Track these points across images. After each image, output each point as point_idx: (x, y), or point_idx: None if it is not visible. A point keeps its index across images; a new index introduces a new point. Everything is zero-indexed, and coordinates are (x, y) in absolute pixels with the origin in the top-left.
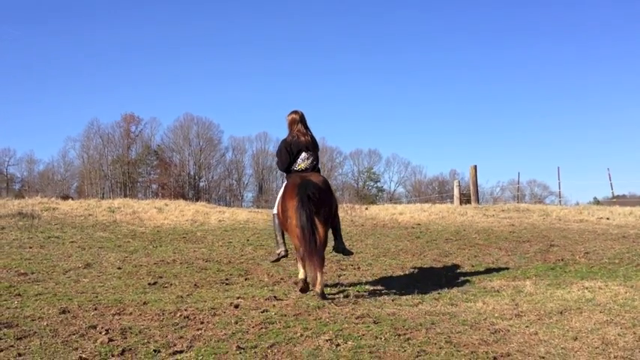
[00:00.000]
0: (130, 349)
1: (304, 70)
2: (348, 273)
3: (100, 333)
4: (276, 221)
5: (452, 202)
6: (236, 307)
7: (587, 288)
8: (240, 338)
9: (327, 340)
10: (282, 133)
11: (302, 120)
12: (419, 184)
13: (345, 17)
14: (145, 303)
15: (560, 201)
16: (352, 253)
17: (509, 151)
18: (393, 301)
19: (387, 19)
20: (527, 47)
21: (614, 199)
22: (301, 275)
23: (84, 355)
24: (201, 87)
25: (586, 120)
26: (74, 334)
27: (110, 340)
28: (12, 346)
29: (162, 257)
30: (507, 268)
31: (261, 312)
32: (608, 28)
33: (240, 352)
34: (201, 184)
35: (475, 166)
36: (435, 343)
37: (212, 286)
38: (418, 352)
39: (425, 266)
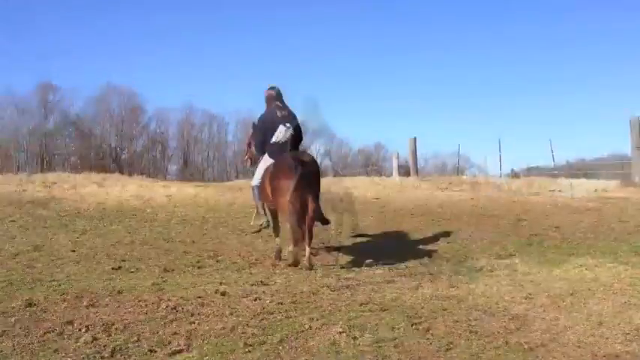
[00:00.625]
0: (120, 348)
1: (232, 35)
2: (323, 252)
3: (80, 330)
4: (256, 192)
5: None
6: (223, 294)
7: (582, 266)
8: (242, 333)
9: (340, 332)
10: (208, 104)
11: (278, 95)
12: (345, 157)
13: None
14: (119, 292)
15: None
16: (330, 222)
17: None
18: (388, 283)
19: None
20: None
21: (527, 171)
22: (291, 249)
23: (68, 359)
24: (122, 54)
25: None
26: (50, 332)
27: (94, 338)
28: None
29: (117, 238)
30: (484, 244)
31: (253, 300)
32: None
33: (249, 350)
34: (123, 156)
35: (415, 139)
36: (460, 334)
37: (184, 271)
38: (446, 344)
39: (399, 243)
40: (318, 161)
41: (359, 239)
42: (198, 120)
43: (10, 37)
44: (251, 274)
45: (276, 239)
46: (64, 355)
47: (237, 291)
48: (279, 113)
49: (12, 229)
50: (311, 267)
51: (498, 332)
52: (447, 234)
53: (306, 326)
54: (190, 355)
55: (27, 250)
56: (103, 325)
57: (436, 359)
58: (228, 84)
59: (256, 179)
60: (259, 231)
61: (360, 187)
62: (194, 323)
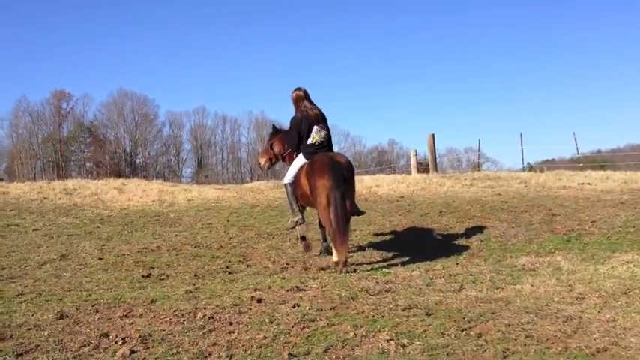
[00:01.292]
0: None
1: (240, 42)
2: (354, 253)
3: (116, 342)
4: (289, 190)
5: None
6: (259, 301)
7: (629, 262)
8: (285, 342)
9: (388, 340)
10: (221, 106)
11: (306, 95)
12: (359, 155)
13: None
14: (152, 301)
15: (479, 165)
16: (364, 213)
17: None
18: (428, 286)
19: None
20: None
21: (542, 164)
22: (335, 258)
23: None
24: (134, 60)
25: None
26: (85, 346)
27: (132, 351)
28: None
29: (143, 244)
30: (520, 242)
31: (292, 307)
32: None
33: None
34: (138, 160)
35: (433, 135)
36: (515, 339)
37: (215, 277)
38: (503, 351)
39: (431, 243)
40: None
41: (389, 239)
42: (211, 122)
43: (22, 47)
44: (284, 278)
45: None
46: None
47: (274, 297)
48: (311, 113)
49: (36, 238)
50: (345, 267)
51: (555, 336)
52: (479, 232)
53: (351, 334)
54: None
55: (53, 258)
56: (140, 336)
57: None
58: (240, 86)
59: (289, 177)
60: (294, 227)
61: (383, 185)
62: (233, 333)
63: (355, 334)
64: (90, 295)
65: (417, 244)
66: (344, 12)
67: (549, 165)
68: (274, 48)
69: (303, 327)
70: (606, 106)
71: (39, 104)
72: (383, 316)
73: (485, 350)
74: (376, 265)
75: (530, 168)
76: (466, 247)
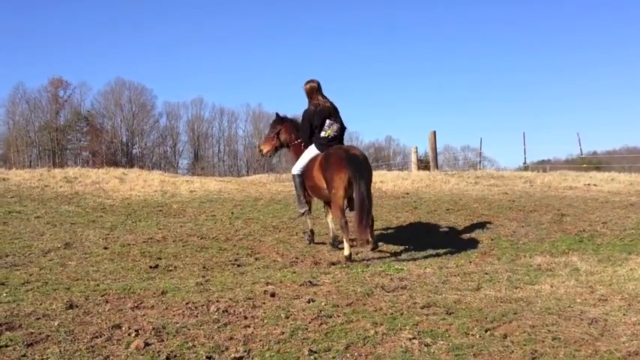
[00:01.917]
0: (175, 355)
1: (239, 34)
2: (364, 250)
3: (129, 334)
4: (298, 181)
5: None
6: (272, 295)
7: None
8: (304, 338)
9: (410, 339)
10: (218, 98)
11: (320, 88)
12: None
13: None
14: (163, 293)
15: (481, 164)
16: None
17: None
18: (444, 284)
19: None
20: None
21: (537, 165)
22: (347, 253)
23: None
24: (133, 50)
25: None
26: (97, 337)
27: (146, 344)
28: (25, 355)
29: (148, 234)
30: (532, 241)
31: (307, 302)
32: None
33: (315, 358)
34: (134, 151)
35: (434, 132)
36: (542, 341)
37: (224, 269)
38: (531, 352)
39: (441, 240)
40: None
41: (397, 235)
42: (208, 114)
43: (20, 34)
44: (295, 272)
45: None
46: None
47: (287, 292)
48: (324, 106)
49: (39, 225)
50: (375, 246)
51: (582, 339)
52: (488, 230)
53: (371, 332)
54: None
55: (57, 247)
56: (154, 329)
57: None
58: (238, 78)
59: (298, 168)
60: (300, 216)
61: (387, 181)
62: (249, 327)
63: (376, 332)
64: (98, 285)
65: (426, 241)
66: (344, 5)
67: (545, 165)
68: (273, 41)
69: (321, 323)
70: (603, 108)
71: (36, 92)
72: (402, 314)
73: (513, 352)
74: (387, 262)
75: (527, 168)
76: (477, 246)
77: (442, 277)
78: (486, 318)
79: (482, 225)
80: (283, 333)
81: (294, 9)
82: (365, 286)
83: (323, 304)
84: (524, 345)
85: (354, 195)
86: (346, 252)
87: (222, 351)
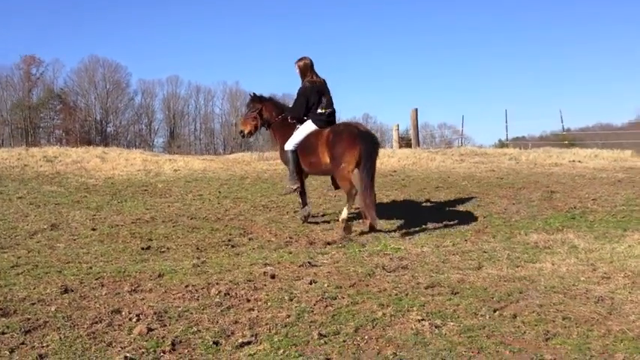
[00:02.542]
0: (180, 341)
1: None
2: (358, 229)
3: (131, 319)
4: (291, 156)
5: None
6: (272, 277)
7: None
8: (311, 321)
9: (420, 320)
10: (194, 76)
11: (313, 65)
12: None
13: None
14: (160, 275)
15: (462, 141)
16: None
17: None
18: (444, 263)
19: None
20: None
21: (511, 142)
22: (344, 216)
23: (128, 355)
24: (107, 27)
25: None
26: (97, 323)
27: (149, 329)
28: (23, 343)
29: (136, 215)
30: (524, 219)
31: (309, 284)
32: None
33: (325, 342)
34: (109, 129)
35: (416, 110)
36: (553, 321)
37: (218, 250)
38: (544, 333)
39: (434, 218)
40: None
41: (389, 214)
42: (184, 92)
43: None
44: (291, 253)
45: (305, 207)
46: (119, 349)
47: (287, 273)
48: (319, 82)
49: (22, 206)
50: (374, 228)
51: (593, 318)
52: (480, 208)
53: (379, 313)
54: (261, 348)
55: (43, 228)
56: (155, 313)
57: (540, 350)
58: (214, 56)
59: (292, 144)
60: (290, 193)
61: None
62: (253, 310)
63: (383, 314)
64: (90, 268)
65: (419, 219)
66: None
67: (520, 142)
68: (250, 18)
69: (326, 305)
70: (576, 85)
71: (8, 69)
72: (407, 295)
73: (525, 332)
74: (383, 241)
75: (502, 145)
76: (470, 223)
77: (441, 256)
78: (492, 298)
79: (473, 202)
80: (289, 316)
81: None
82: (365, 266)
83: (326, 285)
84: (536, 325)
85: (362, 172)
86: (345, 215)
87: (229, 335)
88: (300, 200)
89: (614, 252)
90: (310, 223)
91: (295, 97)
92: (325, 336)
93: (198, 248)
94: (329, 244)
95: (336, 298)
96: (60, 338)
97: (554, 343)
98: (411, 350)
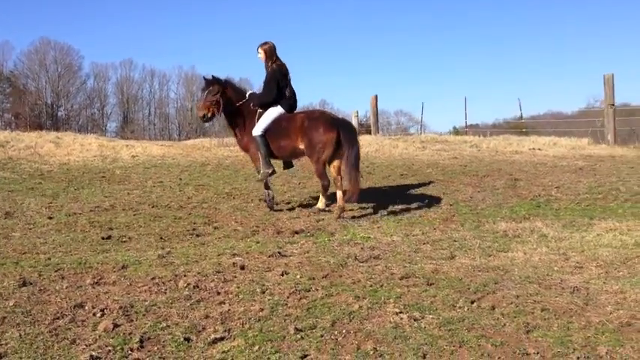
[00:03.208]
0: (149, 337)
1: None
2: (325, 218)
3: (95, 315)
4: (261, 141)
5: None
6: (242, 268)
7: (613, 230)
8: (286, 315)
9: (398, 313)
10: (149, 60)
11: (276, 48)
12: None
13: None
14: (123, 267)
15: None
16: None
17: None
18: (416, 253)
19: None
20: None
21: (468, 129)
22: (320, 205)
23: (94, 353)
24: (58, 8)
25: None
26: (59, 319)
27: (115, 325)
28: None
29: (94, 202)
30: (490, 207)
31: (280, 275)
32: None
33: (302, 336)
34: (60, 113)
35: (376, 96)
36: (531, 312)
37: (183, 240)
38: (524, 325)
39: (400, 206)
40: None
41: (356, 202)
42: (138, 76)
43: None
44: (258, 242)
45: (268, 191)
46: (84, 347)
47: (256, 264)
48: (283, 66)
49: None
50: (342, 211)
51: (571, 309)
52: (446, 196)
53: (355, 306)
54: (235, 344)
55: None
56: (120, 307)
57: (522, 343)
58: (170, 40)
59: (260, 129)
60: (266, 178)
61: None
62: (224, 304)
63: (360, 307)
64: (49, 259)
65: (385, 207)
66: None
67: (474, 130)
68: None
69: (300, 298)
70: (528, 74)
71: None
72: (382, 286)
73: (505, 325)
74: (351, 230)
75: (457, 132)
76: (437, 212)
77: (412, 246)
78: (469, 289)
79: (438, 190)
80: (262, 309)
81: None
82: (336, 256)
83: (298, 276)
84: (515, 317)
85: (346, 155)
86: (321, 205)
87: (200, 331)
88: (265, 188)
89: (583, 241)
90: (276, 211)
91: (265, 81)
92: (301, 330)
93: (161, 238)
94: (297, 232)
95: (309, 290)
96: (20, 335)
97: (535, 336)
98: (392, 345)
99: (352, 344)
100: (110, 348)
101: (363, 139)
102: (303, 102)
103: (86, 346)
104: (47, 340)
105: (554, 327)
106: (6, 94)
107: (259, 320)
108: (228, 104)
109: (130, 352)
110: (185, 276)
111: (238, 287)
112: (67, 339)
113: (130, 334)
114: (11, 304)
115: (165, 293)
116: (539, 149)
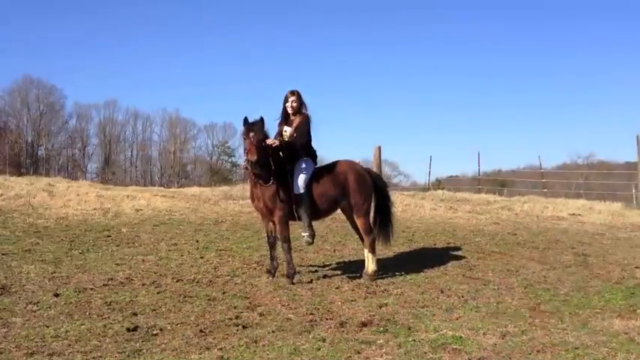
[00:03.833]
0: None
1: (156, 37)
2: (388, 302)
3: None
4: (307, 199)
5: None
6: None
7: None
8: None
9: None
10: (133, 101)
11: None
12: None
13: None
14: None
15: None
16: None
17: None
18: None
19: None
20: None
21: (446, 180)
22: (373, 267)
23: None
24: (42, 47)
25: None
26: None
27: None
28: None
29: (106, 272)
30: (574, 292)
31: None
32: None
33: None
34: (40, 152)
35: (379, 147)
36: None
37: (228, 334)
38: None
39: (467, 287)
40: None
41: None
42: (121, 117)
43: None
44: (324, 340)
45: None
46: None
47: None
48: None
49: None
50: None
51: None
52: (512, 275)
53: None
54: None
55: None
56: None
57: None
58: (154, 82)
59: (303, 184)
60: (312, 244)
61: None
62: None
63: None
64: None
65: (449, 289)
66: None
67: (454, 181)
68: (191, 43)
69: None
70: (508, 128)
71: None
72: None
73: None
74: (429, 323)
75: (439, 183)
76: (514, 296)
77: (526, 354)
78: None
79: (501, 266)
80: None
81: (212, 6)
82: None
83: None
84: None
85: (379, 206)
86: (373, 266)
87: None
88: (270, 254)
89: None
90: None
91: (305, 130)
92: None
93: (201, 331)
94: (364, 325)
95: None
96: None
97: None
98: None
99: None
100: None
101: None
102: None
103: None
104: None
105: None
106: None
107: None
108: (273, 152)
109: None
110: None
111: None
112: None
113: None
114: None
115: None
116: (579, 215)
